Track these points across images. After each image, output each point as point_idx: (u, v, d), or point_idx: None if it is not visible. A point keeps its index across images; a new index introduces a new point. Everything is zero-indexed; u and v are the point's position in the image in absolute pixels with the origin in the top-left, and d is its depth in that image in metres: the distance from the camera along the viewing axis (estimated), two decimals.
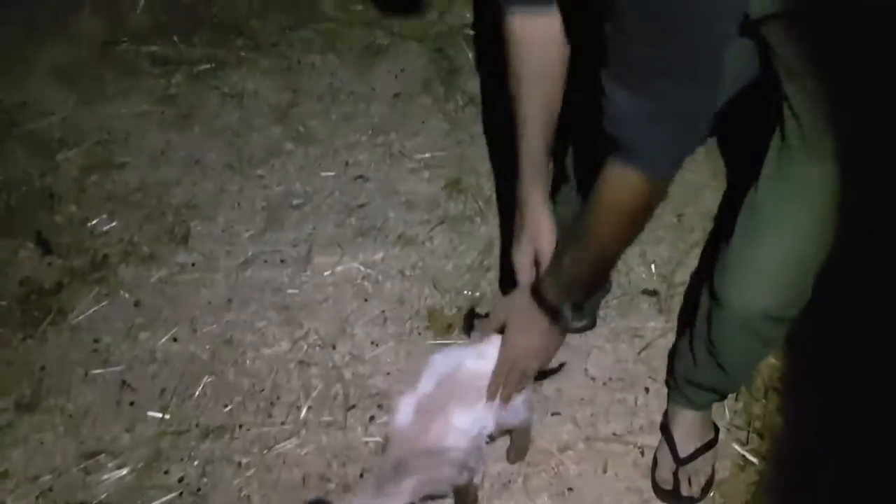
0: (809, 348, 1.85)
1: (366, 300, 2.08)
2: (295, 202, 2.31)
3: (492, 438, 1.52)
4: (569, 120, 1.42)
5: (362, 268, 2.14)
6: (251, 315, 2.05)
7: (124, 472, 1.77)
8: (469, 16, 2.84)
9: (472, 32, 2.79)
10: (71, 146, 2.51)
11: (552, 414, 1.83)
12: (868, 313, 1.90)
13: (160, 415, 1.86)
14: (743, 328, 1.45)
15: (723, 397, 1.73)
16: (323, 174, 2.39)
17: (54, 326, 2.04)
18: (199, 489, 1.74)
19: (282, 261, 2.17)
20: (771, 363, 1.87)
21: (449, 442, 1.40)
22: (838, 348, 1.85)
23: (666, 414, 1.78)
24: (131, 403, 1.89)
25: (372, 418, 1.84)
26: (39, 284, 2.14)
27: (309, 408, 1.87)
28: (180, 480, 1.75)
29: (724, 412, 1.82)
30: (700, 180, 2.29)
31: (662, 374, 1.88)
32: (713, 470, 1.71)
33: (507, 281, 1.51)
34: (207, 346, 1.99)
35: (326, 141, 2.49)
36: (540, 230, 1.40)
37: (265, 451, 1.79)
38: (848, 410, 1.77)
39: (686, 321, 1.62)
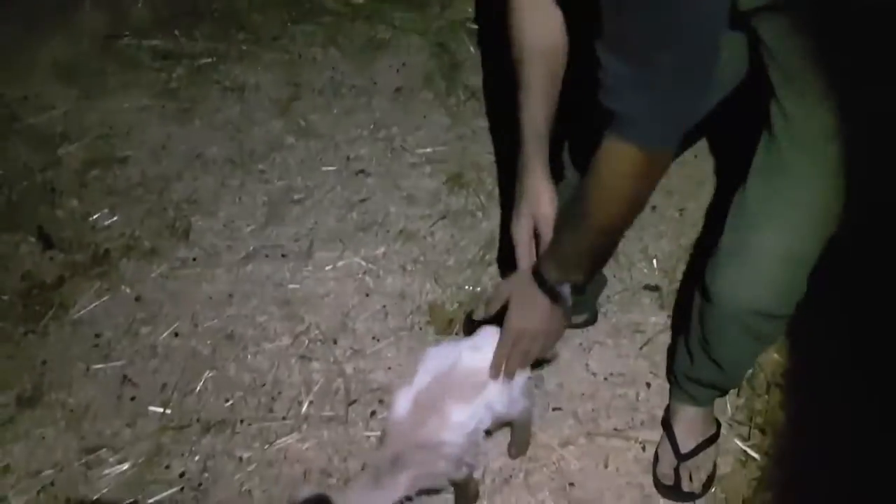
0: (811, 344, 1.84)
1: (367, 295, 2.07)
2: (296, 197, 2.31)
3: (489, 433, 1.51)
4: (566, 118, 1.41)
5: (363, 262, 2.14)
6: (252, 310, 2.05)
7: (125, 466, 1.77)
8: (471, 10, 2.84)
9: (473, 26, 2.79)
10: (72, 140, 2.51)
11: (553, 409, 1.83)
12: (870, 310, 1.89)
13: (161, 410, 1.86)
14: (734, 325, 1.45)
15: (723, 393, 1.72)
16: (324, 169, 2.39)
17: (55, 321, 2.05)
18: (200, 484, 1.74)
19: (283, 255, 2.17)
20: (773, 359, 1.87)
21: (445, 436, 1.40)
22: (840, 344, 1.85)
23: (667, 409, 1.78)
24: (132, 398, 1.89)
25: (373, 413, 1.84)
26: (41, 279, 2.14)
27: (310, 403, 1.86)
28: (181, 475, 1.75)
29: (726, 407, 1.81)
30: (702, 176, 2.28)
31: (664, 370, 1.88)
32: (714, 466, 1.70)
33: (508, 272, 1.49)
34: (208, 341, 1.99)
35: (328, 135, 2.49)
36: (540, 200, 1.37)
37: (266, 446, 1.79)
38: (850, 407, 1.76)
39: (684, 317, 1.61)
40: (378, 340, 1.98)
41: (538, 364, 1.64)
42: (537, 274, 1.34)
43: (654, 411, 1.81)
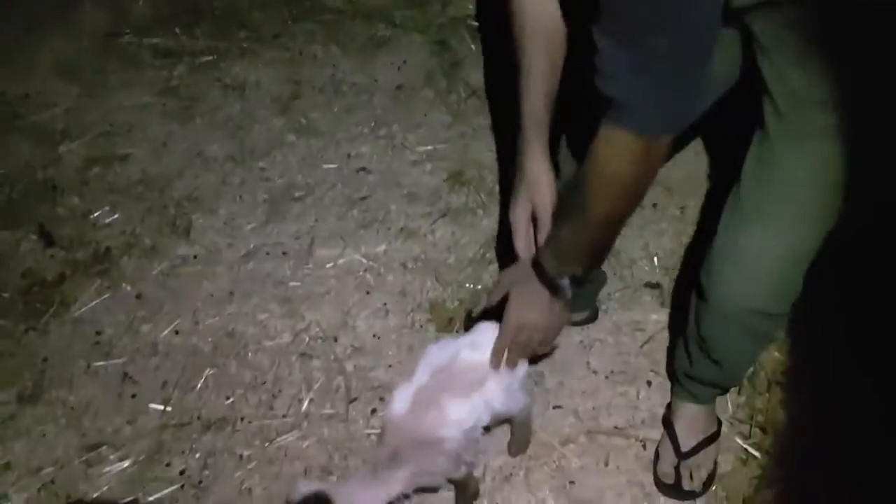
0: (813, 343, 1.84)
1: (368, 293, 2.07)
2: (297, 194, 2.31)
3: (487, 429, 1.51)
4: (563, 115, 1.40)
5: (364, 260, 2.14)
6: (253, 307, 2.05)
7: (126, 464, 1.77)
8: (472, 7, 2.84)
9: (474, 24, 2.78)
10: (73, 138, 2.52)
11: (554, 407, 1.83)
12: (871, 309, 1.89)
13: (162, 407, 1.86)
14: (731, 324, 1.45)
15: (725, 391, 1.72)
16: (325, 166, 2.39)
17: (56, 319, 2.05)
18: (200, 482, 1.74)
19: (284, 253, 2.17)
20: (774, 357, 1.87)
21: (443, 433, 1.40)
22: (841, 343, 1.84)
23: (669, 407, 1.78)
24: (133, 396, 1.89)
25: (374, 411, 1.84)
26: (42, 276, 2.14)
27: (310, 400, 1.86)
28: (182, 473, 1.75)
29: (727, 406, 1.81)
30: (703, 173, 2.28)
31: (664, 368, 1.87)
32: (715, 464, 1.70)
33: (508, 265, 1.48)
34: (209, 339, 1.99)
35: (328, 133, 2.48)
36: (539, 185, 1.36)
37: (267, 444, 1.79)
38: (851, 406, 1.76)
39: (685, 316, 1.61)
40: (379, 338, 1.98)
41: (537, 358, 1.63)
42: (537, 266, 1.33)
43: (654, 409, 1.81)
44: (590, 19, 1.02)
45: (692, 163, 2.29)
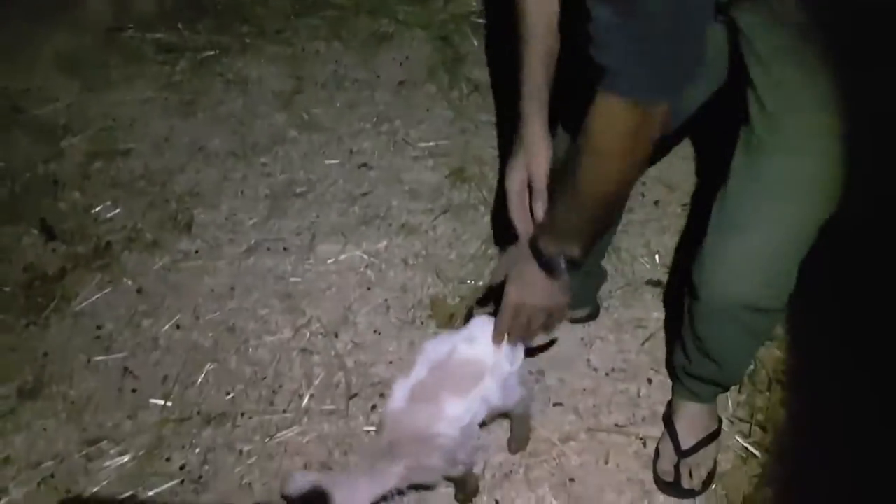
0: (813, 341, 1.84)
1: (369, 289, 2.07)
2: (298, 190, 2.31)
3: (484, 424, 1.51)
4: (559, 112, 1.40)
5: (365, 256, 2.14)
6: (254, 303, 2.05)
7: (126, 458, 1.77)
8: (474, 4, 2.83)
9: (477, 20, 2.78)
10: (75, 133, 2.52)
11: (554, 404, 1.82)
12: (872, 308, 1.88)
13: (162, 402, 1.86)
14: (723, 320, 1.45)
15: (725, 389, 1.71)
16: (327, 162, 2.38)
17: (57, 313, 2.05)
18: (200, 477, 1.74)
19: (285, 249, 2.17)
20: (775, 355, 1.86)
21: (440, 429, 1.40)
22: (842, 342, 1.83)
23: (669, 405, 1.77)
24: (133, 390, 1.89)
25: (374, 407, 1.84)
26: (43, 271, 2.14)
27: (311, 396, 1.86)
28: (182, 468, 1.75)
29: (727, 404, 1.81)
30: (705, 171, 2.27)
31: (665, 366, 1.87)
32: (715, 463, 1.70)
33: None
34: (210, 334, 1.99)
35: (330, 128, 2.48)
36: (536, 153, 1.35)
37: (267, 439, 1.79)
38: (851, 404, 1.75)
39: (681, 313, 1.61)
40: (379, 334, 1.97)
41: (536, 350, 1.63)
42: (534, 246, 1.31)
43: (655, 407, 1.81)
44: None
45: (694, 160, 2.29)
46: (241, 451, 1.78)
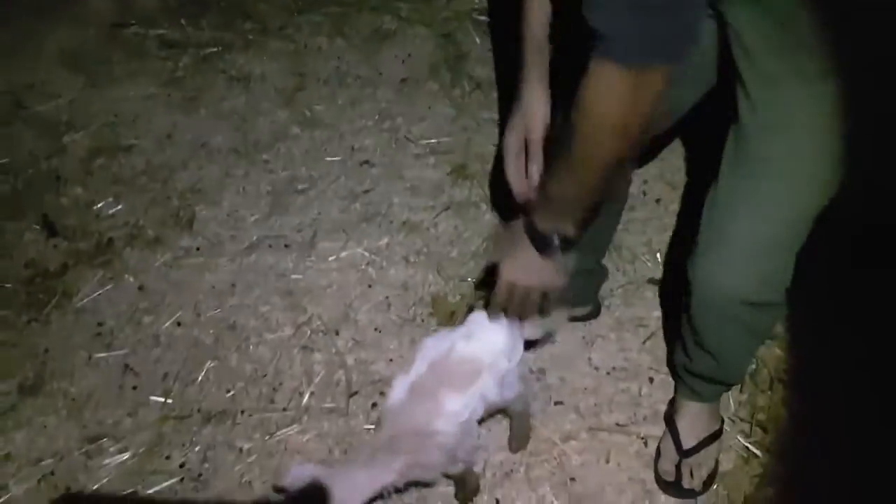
0: (814, 341, 1.83)
1: (370, 286, 2.07)
2: (300, 187, 2.31)
3: (482, 421, 1.51)
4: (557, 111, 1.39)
5: (367, 253, 2.13)
6: (255, 300, 2.05)
7: (126, 456, 1.77)
8: (477, 1, 2.83)
9: (479, 18, 2.77)
10: (78, 129, 2.51)
11: (555, 403, 1.82)
12: (872, 307, 1.87)
13: (162, 399, 1.86)
14: (719, 315, 1.44)
15: (727, 388, 1.71)
16: (328, 159, 2.38)
17: (58, 309, 2.05)
18: (200, 474, 1.74)
19: (286, 246, 2.17)
20: (776, 355, 1.86)
21: (439, 425, 1.40)
22: (842, 341, 1.83)
23: (671, 404, 1.77)
24: (134, 388, 1.89)
25: (374, 405, 1.84)
26: (44, 267, 2.15)
27: (311, 394, 1.86)
28: (181, 465, 1.75)
29: (729, 404, 1.80)
30: (707, 169, 2.25)
31: (666, 364, 1.86)
32: (716, 463, 1.69)
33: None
34: (211, 331, 1.99)
35: (332, 125, 2.48)
36: (534, 111, 1.35)
37: (267, 437, 1.79)
38: (852, 404, 1.75)
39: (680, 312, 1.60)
40: (380, 332, 1.97)
41: (535, 343, 1.63)
42: (528, 224, 1.29)
43: (656, 406, 1.80)
44: None
45: (695, 159, 2.28)
46: (241, 449, 1.78)
